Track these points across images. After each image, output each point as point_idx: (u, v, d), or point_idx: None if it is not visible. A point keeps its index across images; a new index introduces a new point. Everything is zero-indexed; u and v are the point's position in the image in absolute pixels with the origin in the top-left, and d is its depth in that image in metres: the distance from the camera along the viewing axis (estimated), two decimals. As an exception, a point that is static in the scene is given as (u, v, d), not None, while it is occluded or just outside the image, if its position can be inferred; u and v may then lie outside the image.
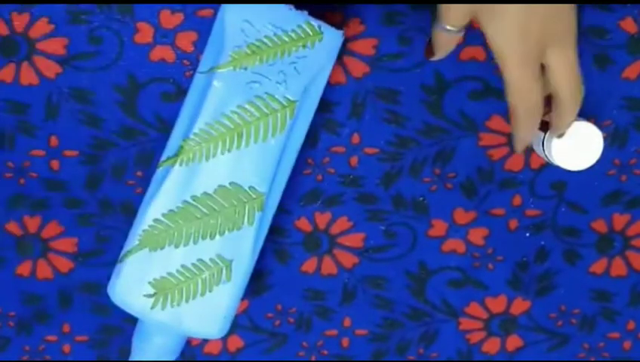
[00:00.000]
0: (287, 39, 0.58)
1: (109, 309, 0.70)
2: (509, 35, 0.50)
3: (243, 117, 0.59)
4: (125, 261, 0.60)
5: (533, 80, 0.52)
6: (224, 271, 0.60)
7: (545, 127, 0.64)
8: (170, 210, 0.59)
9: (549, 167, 0.68)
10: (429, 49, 0.57)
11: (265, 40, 0.58)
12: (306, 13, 0.58)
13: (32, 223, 0.67)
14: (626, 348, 0.73)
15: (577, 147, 0.61)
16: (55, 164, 0.66)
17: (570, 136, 0.61)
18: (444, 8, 0.52)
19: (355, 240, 0.69)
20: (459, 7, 0.52)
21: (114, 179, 0.67)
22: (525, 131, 0.55)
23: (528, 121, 0.54)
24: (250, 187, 0.60)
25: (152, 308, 0.60)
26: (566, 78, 0.53)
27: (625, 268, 0.71)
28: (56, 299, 0.69)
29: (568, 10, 0.51)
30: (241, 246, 0.60)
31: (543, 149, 0.63)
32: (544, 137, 0.63)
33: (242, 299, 0.70)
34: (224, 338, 0.71)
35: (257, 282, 0.70)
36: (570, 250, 0.70)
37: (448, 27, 0.53)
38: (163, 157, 0.60)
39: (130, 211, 0.67)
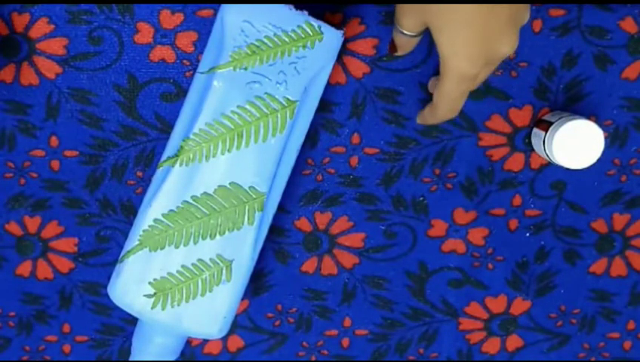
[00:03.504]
0: (287, 39, 0.58)
1: (109, 309, 0.70)
2: (459, 55, 0.52)
3: (243, 117, 0.59)
4: (125, 261, 0.60)
5: (463, 95, 0.55)
6: (224, 271, 0.60)
7: (545, 126, 0.64)
8: (170, 210, 0.59)
9: (549, 167, 0.68)
10: (392, 46, 0.59)
11: (265, 40, 0.58)
12: (306, 13, 0.58)
13: (32, 223, 0.67)
14: (626, 348, 0.73)
15: (578, 145, 0.61)
16: (55, 164, 0.66)
17: (571, 134, 0.61)
18: (398, 15, 0.55)
19: (355, 240, 0.69)
20: (411, 18, 0.54)
21: (114, 179, 0.67)
22: (435, 122, 0.59)
23: (443, 119, 0.58)
24: (250, 187, 0.60)
25: (152, 308, 0.60)
26: (479, 83, 0.57)
27: (625, 268, 0.71)
28: (56, 299, 0.69)
29: (516, 33, 0.52)
30: (241, 246, 0.60)
31: (544, 148, 0.63)
32: (544, 136, 0.63)
33: (242, 299, 0.70)
34: (224, 339, 0.71)
35: (257, 282, 0.70)
36: (570, 250, 0.70)
37: (405, 32, 0.56)
38: (163, 158, 0.60)
39: (130, 211, 0.67)
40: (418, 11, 0.53)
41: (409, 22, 0.54)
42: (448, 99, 0.55)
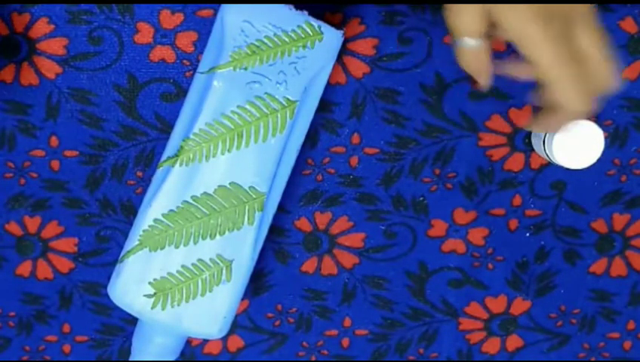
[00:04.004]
0: (287, 39, 0.58)
1: (109, 309, 0.70)
2: (532, 23, 0.45)
3: (243, 117, 0.59)
4: (125, 261, 0.60)
5: (569, 55, 0.47)
6: (224, 271, 0.60)
7: (545, 127, 0.64)
8: (170, 210, 0.59)
9: (549, 167, 0.68)
10: (472, 79, 0.51)
11: (265, 40, 0.58)
12: (306, 13, 0.58)
13: (32, 223, 0.67)
14: (626, 348, 0.73)
15: (578, 145, 0.61)
16: (55, 164, 0.66)
17: (572, 134, 0.61)
18: (452, 17, 0.48)
19: (355, 240, 0.69)
20: (468, 9, 0.47)
21: (114, 179, 0.67)
22: (570, 119, 0.50)
23: (577, 109, 0.48)
24: (250, 187, 0.60)
25: (152, 308, 0.60)
26: (601, 56, 0.48)
27: (625, 268, 0.71)
28: (56, 299, 0.69)
29: None
30: (241, 246, 0.60)
31: (544, 148, 0.63)
32: (544, 136, 0.63)
33: (242, 299, 0.70)
34: (224, 338, 0.71)
35: (257, 282, 0.70)
36: (570, 250, 0.70)
37: (467, 40, 0.48)
38: (163, 158, 0.60)
39: (130, 211, 0.67)
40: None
41: (467, 20, 0.47)
42: (560, 69, 0.46)
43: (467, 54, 0.49)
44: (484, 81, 0.51)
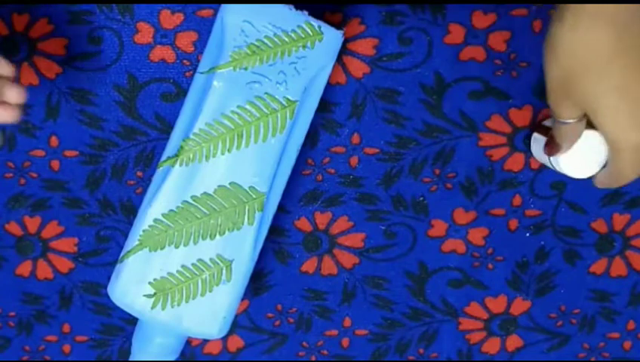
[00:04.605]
0: (287, 39, 0.58)
1: (109, 309, 0.70)
2: (623, 127, 0.52)
3: (243, 117, 0.59)
4: (125, 261, 0.60)
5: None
6: (224, 271, 0.60)
7: (547, 132, 0.63)
8: (170, 210, 0.59)
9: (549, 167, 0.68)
10: (553, 145, 0.58)
11: (265, 40, 0.58)
12: (306, 13, 0.58)
13: (32, 223, 0.67)
14: (626, 348, 0.73)
15: (581, 154, 0.59)
16: (55, 164, 0.66)
17: (576, 144, 0.59)
18: (554, 108, 0.54)
19: (355, 240, 0.69)
20: (568, 107, 0.53)
21: (114, 179, 0.67)
22: (621, 185, 0.58)
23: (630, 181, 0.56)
24: (250, 187, 0.60)
25: (152, 308, 0.60)
26: None
27: (625, 268, 0.71)
28: (56, 299, 0.69)
29: None
30: (241, 246, 0.60)
31: (545, 154, 0.63)
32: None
33: (242, 299, 0.70)
34: (224, 338, 0.71)
35: (257, 282, 0.70)
36: (570, 250, 0.70)
37: (568, 121, 0.55)
38: (163, 158, 0.60)
39: (130, 211, 0.67)
40: (570, 97, 0.53)
41: (568, 111, 0.54)
42: (633, 171, 0.54)
43: (564, 129, 0.56)
44: (567, 148, 0.58)
